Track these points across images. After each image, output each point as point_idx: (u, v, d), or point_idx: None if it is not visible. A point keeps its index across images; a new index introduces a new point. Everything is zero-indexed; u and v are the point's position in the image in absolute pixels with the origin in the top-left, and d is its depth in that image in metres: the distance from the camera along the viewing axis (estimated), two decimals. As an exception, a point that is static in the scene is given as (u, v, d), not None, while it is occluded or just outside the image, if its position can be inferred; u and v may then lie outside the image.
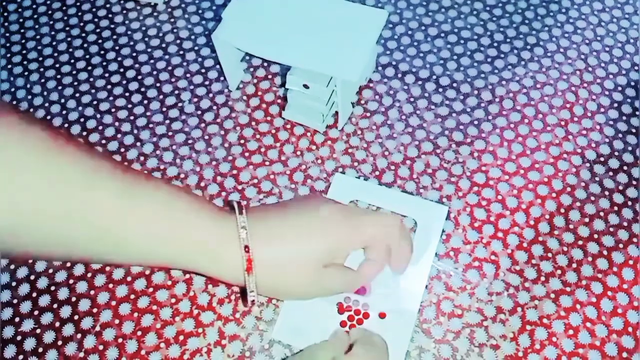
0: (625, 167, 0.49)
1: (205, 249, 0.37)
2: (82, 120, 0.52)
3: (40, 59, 0.56)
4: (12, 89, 0.54)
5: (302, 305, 0.43)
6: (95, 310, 0.44)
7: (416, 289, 0.44)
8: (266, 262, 0.37)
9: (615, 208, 0.47)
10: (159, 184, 0.37)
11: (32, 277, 0.45)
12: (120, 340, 0.42)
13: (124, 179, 0.35)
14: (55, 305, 0.44)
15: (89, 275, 0.45)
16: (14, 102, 0.54)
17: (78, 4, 0.60)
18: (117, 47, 0.57)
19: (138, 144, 0.51)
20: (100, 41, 0.57)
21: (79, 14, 0.59)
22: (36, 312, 0.44)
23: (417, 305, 0.43)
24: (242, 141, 0.51)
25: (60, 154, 0.33)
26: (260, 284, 0.37)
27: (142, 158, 0.50)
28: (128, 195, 0.35)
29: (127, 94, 0.54)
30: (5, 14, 0.60)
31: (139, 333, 0.43)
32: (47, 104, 0.53)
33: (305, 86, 0.46)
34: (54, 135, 0.34)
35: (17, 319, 0.43)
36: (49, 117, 0.53)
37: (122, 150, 0.51)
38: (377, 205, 0.47)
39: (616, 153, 0.50)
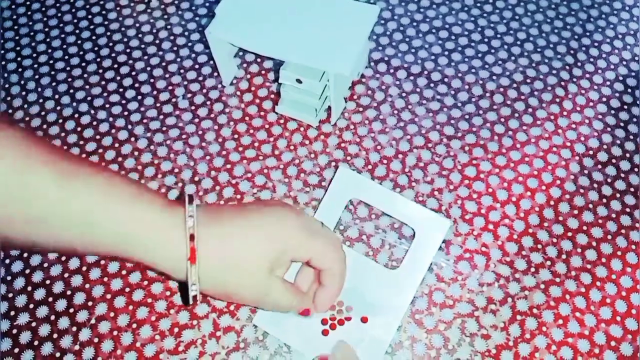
0: (613, 160, 0.50)
1: (145, 237, 0.35)
2: (76, 115, 0.53)
3: (35, 55, 0.57)
4: (6, 85, 0.55)
5: None
6: (90, 303, 0.44)
7: (402, 301, 0.43)
8: (211, 256, 0.35)
9: (604, 200, 0.48)
10: (98, 171, 0.35)
11: (28, 271, 0.45)
12: (115, 332, 0.43)
13: (62, 165, 0.34)
14: (50, 299, 0.44)
15: (84, 269, 0.45)
16: (8, 99, 0.54)
17: (72, 0, 0.60)
18: (110, 44, 0.57)
19: (132, 139, 0.51)
20: (94, 37, 0.58)
21: (73, 10, 0.60)
22: (31, 306, 0.44)
23: (400, 316, 0.42)
24: (235, 136, 0.51)
25: None
26: (204, 279, 0.35)
27: (136, 153, 0.51)
28: (66, 183, 0.33)
29: (121, 90, 0.54)
30: (-1, 10, 0.60)
31: (134, 325, 0.43)
32: (41, 100, 0.54)
33: (299, 81, 0.47)
34: None
35: (12, 313, 0.44)
36: (43, 113, 0.53)
37: (117, 145, 0.51)
38: (376, 207, 0.47)
39: (605, 146, 0.50)
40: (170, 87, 0.54)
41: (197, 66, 0.56)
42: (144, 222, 0.35)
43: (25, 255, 0.46)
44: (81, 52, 0.57)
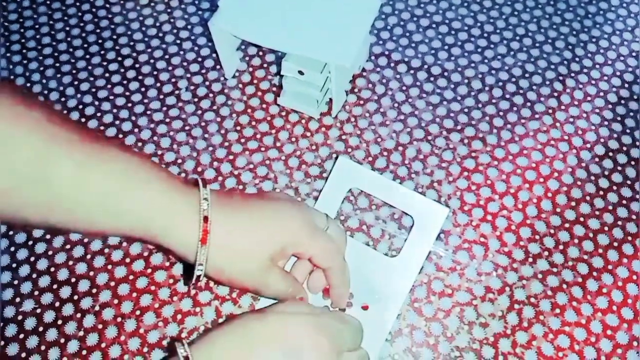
0: (610, 153, 0.50)
1: (160, 218, 0.36)
2: (80, 107, 0.53)
3: (39, 47, 0.57)
4: (11, 77, 0.55)
5: None
6: (94, 290, 0.45)
7: (402, 288, 0.43)
8: (219, 243, 0.36)
9: (601, 192, 0.49)
10: (118, 153, 0.36)
11: (32, 259, 0.46)
12: (119, 319, 0.43)
13: (82, 147, 0.34)
14: (55, 286, 0.45)
15: (89, 257, 0.46)
16: (13, 90, 0.54)
17: (76, -6, 0.61)
18: (114, 36, 0.58)
19: (136, 130, 0.52)
20: (98, 30, 0.58)
21: (77, 4, 0.60)
22: (36, 293, 0.45)
23: (399, 304, 0.43)
24: (238, 128, 0.52)
25: (19, 120, 0.33)
26: (210, 261, 0.36)
27: (139, 144, 0.51)
28: (85, 165, 0.34)
29: (125, 82, 0.55)
30: (4, 3, 0.61)
31: (138, 312, 0.44)
32: (45, 91, 0.54)
33: (300, 72, 0.48)
34: (16, 102, 0.33)
35: (17, 299, 0.44)
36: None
37: (120, 136, 0.52)
38: (375, 196, 0.47)
39: (602, 140, 0.51)
40: (173, 80, 0.55)
41: (199, 59, 0.56)
42: (160, 205, 0.36)
43: (30, 242, 0.47)
44: (85, 45, 0.57)
